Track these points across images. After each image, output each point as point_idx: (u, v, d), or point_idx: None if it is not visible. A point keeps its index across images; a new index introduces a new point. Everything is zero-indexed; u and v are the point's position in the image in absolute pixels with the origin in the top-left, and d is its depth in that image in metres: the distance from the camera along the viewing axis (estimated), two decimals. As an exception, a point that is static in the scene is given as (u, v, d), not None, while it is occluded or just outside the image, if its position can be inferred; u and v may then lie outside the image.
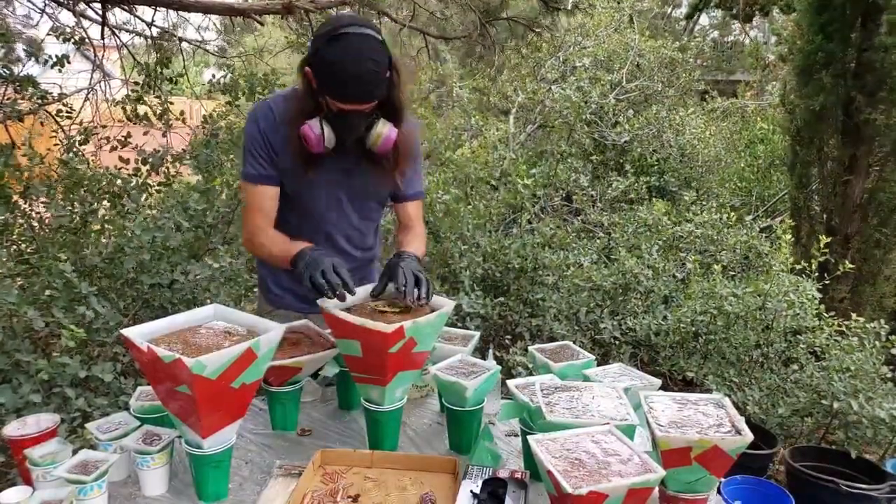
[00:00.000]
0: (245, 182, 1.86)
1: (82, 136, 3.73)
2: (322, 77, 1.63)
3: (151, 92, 4.26)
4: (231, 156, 3.97)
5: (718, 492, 1.48)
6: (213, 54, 6.96)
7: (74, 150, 3.63)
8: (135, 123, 4.17)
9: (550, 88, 6.27)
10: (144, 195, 3.53)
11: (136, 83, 4.16)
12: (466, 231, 4.25)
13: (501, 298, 4.01)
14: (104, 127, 4.24)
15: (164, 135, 4.09)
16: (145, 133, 4.13)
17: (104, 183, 3.48)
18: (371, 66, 1.59)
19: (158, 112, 4.12)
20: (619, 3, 7.76)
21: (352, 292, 1.56)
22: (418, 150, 2.01)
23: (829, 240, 4.02)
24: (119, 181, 3.58)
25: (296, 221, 1.90)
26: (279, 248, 1.79)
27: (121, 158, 3.77)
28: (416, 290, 1.58)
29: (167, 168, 3.75)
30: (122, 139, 3.85)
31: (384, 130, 1.73)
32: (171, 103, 4.23)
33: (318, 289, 1.55)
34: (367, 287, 1.69)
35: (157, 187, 3.75)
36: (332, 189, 1.89)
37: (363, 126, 1.72)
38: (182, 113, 4.53)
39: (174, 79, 4.53)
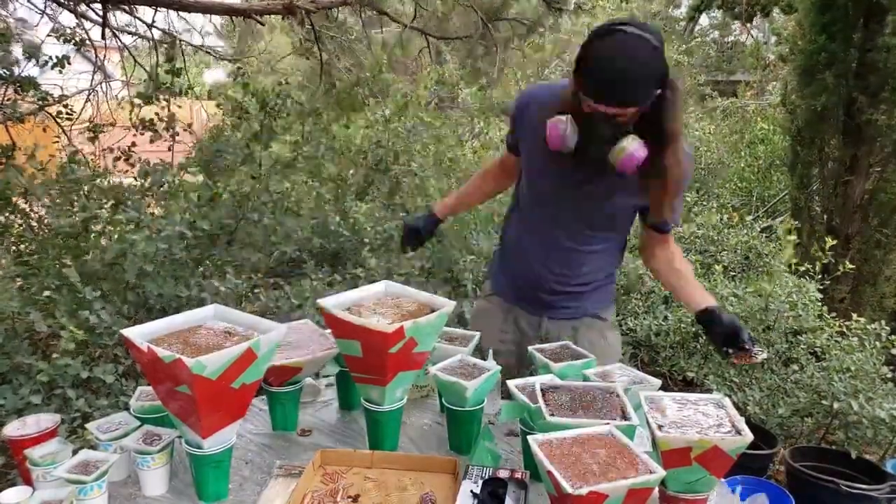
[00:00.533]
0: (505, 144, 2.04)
1: (92, 133, 3.74)
2: (582, 70, 1.54)
3: (158, 102, 4.25)
4: (238, 163, 3.97)
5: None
6: (216, 57, 6.96)
7: (76, 158, 3.62)
8: (140, 133, 4.16)
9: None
10: (147, 202, 3.52)
11: (140, 94, 4.15)
12: (471, 237, 4.25)
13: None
14: (112, 125, 4.25)
15: (169, 148, 4.10)
16: (152, 141, 4.14)
17: (105, 188, 3.48)
18: (633, 66, 1.48)
19: (164, 119, 4.11)
20: (626, 2, 7.74)
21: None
22: (683, 180, 1.76)
23: (828, 238, 4.03)
24: (124, 186, 3.58)
25: (523, 226, 2.00)
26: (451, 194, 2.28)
27: (126, 161, 3.77)
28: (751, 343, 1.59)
29: (172, 179, 3.74)
30: (127, 149, 3.85)
31: (632, 147, 1.57)
32: (179, 106, 4.22)
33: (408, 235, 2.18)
34: (362, 290, 1.65)
35: (158, 198, 3.73)
36: (551, 199, 1.84)
37: (610, 135, 1.58)
38: (190, 125, 4.52)
39: (184, 90, 4.52)
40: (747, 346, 1.53)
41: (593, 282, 1.97)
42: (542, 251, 1.92)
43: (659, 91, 1.54)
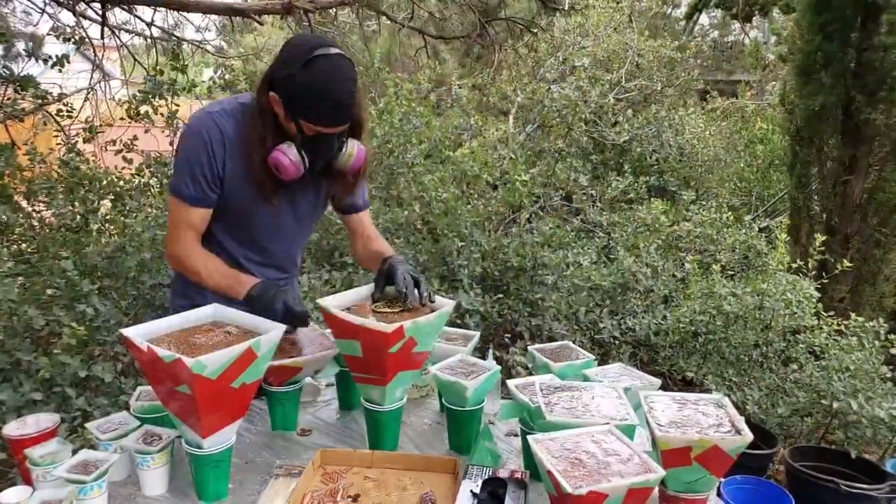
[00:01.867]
0: (179, 200, 1.69)
1: (88, 134, 3.73)
2: (300, 103, 1.56)
3: (158, 99, 4.24)
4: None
5: (718, 494, 1.48)
6: (213, 54, 6.96)
7: (76, 151, 3.63)
8: (137, 122, 4.15)
9: (549, 88, 6.27)
10: (143, 197, 3.53)
11: (141, 90, 4.14)
12: (465, 229, 4.25)
13: (500, 296, 4.01)
14: (110, 125, 4.24)
15: (171, 143, 4.09)
16: (146, 131, 4.13)
17: (105, 183, 3.48)
18: (351, 86, 1.55)
19: (164, 115, 4.10)
20: (618, 2, 7.76)
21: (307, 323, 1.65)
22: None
23: (825, 238, 4.03)
24: (122, 182, 3.58)
25: (231, 243, 1.81)
26: (220, 278, 1.70)
27: (124, 159, 3.77)
28: (416, 290, 1.60)
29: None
30: (129, 142, 3.85)
31: (354, 150, 1.70)
32: (178, 105, 4.22)
33: (298, 317, 1.59)
34: (362, 290, 1.69)
35: (158, 189, 3.74)
36: (283, 212, 1.80)
37: (337, 148, 1.67)
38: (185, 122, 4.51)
39: (188, 87, 4.51)
40: (403, 291, 1.59)
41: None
42: (275, 265, 1.92)
43: None
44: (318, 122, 1.58)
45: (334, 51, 1.55)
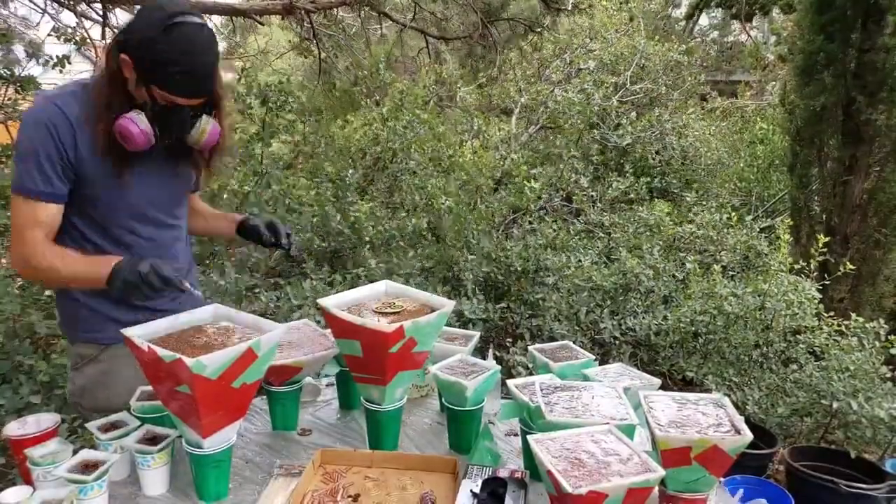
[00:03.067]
0: (23, 197, 1.52)
1: None
2: (157, 70, 1.46)
3: None
4: (236, 159, 3.97)
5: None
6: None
7: None
8: None
9: (553, 90, 6.27)
10: None
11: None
12: (472, 238, 4.25)
13: (504, 304, 4.01)
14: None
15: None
16: None
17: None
18: (211, 59, 1.50)
19: None
20: (625, 2, 7.74)
21: (184, 287, 1.48)
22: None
23: (827, 239, 4.03)
24: None
25: (99, 238, 1.64)
26: (82, 265, 1.55)
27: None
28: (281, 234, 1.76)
29: None
30: None
31: (208, 127, 1.60)
32: None
33: (167, 282, 1.45)
34: (362, 290, 1.69)
35: None
36: (147, 190, 1.67)
37: (190, 120, 1.58)
38: None
39: None
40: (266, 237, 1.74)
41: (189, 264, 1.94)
42: (158, 247, 1.75)
43: None
44: (173, 90, 1.49)
45: (197, 19, 1.48)
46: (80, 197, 1.59)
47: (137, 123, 1.50)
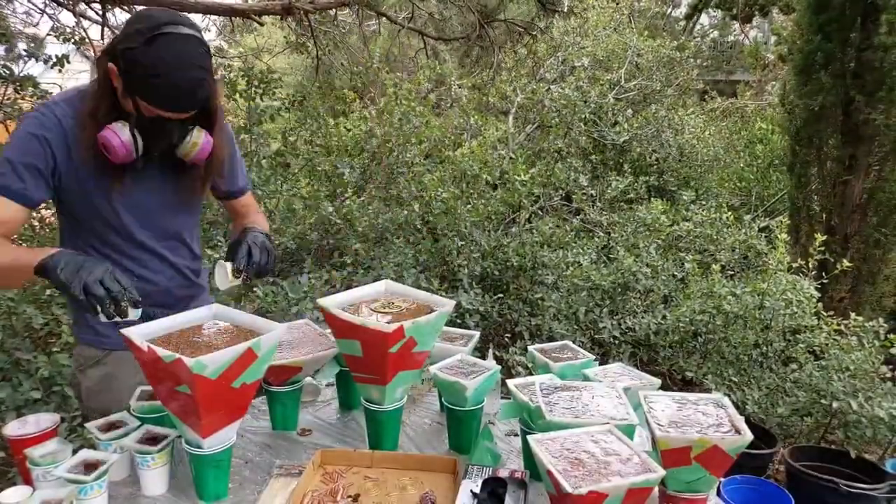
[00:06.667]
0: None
1: None
2: (138, 80, 1.42)
3: None
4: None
5: (718, 493, 1.48)
6: (212, 54, 6.95)
7: None
8: None
9: (549, 88, 6.27)
10: None
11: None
12: (464, 228, 4.26)
13: (500, 295, 4.01)
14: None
15: None
16: None
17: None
18: (197, 73, 1.43)
19: None
20: (616, 3, 7.76)
21: (136, 300, 1.37)
22: (233, 147, 1.86)
23: (825, 238, 4.03)
24: None
25: (112, 249, 1.65)
26: (10, 254, 1.46)
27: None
28: (248, 259, 1.60)
29: None
30: None
31: (200, 140, 1.56)
32: None
33: (96, 299, 1.32)
34: (362, 290, 1.67)
35: None
36: (136, 209, 1.64)
37: (178, 135, 1.54)
38: None
39: None
40: (240, 265, 1.60)
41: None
42: (156, 256, 1.73)
43: None
44: (156, 104, 1.44)
45: (186, 31, 1.42)
46: (70, 206, 1.60)
47: (119, 135, 1.46)
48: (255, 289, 3.33)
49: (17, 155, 1.49)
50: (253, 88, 4.31)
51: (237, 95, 4.30)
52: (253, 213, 1.97)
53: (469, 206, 4.39)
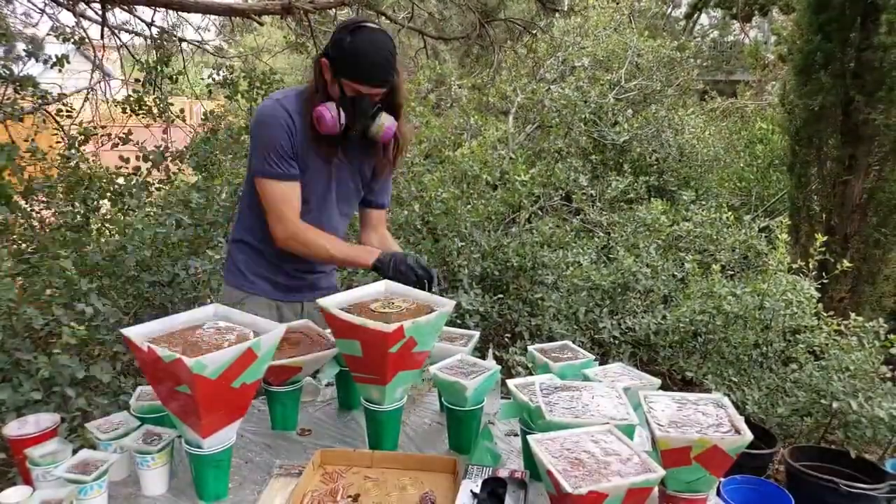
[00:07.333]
0: (270, 179, 1.92)
1: (82, 137, 3.74)
2: (345, 62, 1.82)
3: (152, 91, 4.26)
4: (230, 154, 3.97)
5: (718, 493, 1.48)
6: (212, 54, 6.96)
7: (75, 148, 3.64)
8: (136, 115, 4.20)
9: (549, 88, 6.28)
10: (145, 193, 3.54)
11: (137, 80, 4.16)
12: (464, 228, 4.26)
13: (500, 296, 4.01)
14: (104, 127, 4.26)
15: (164, 131, 4.09)
16: (147, 126, 4.14)
17: (105, 181, 3.49)
18: (389, 52, 1.83)
19: (159, 109, 4.13)
20: (617, 3, 7.77)
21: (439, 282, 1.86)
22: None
23: (826, 238, 4.03)
24: (121, 180, 3.59)
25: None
26: (347, 249, 1.98)
27: (121, 157, 3.77)
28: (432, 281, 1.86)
29: (168, 165, 3.75)
30: (123, 136, 3.85)
31: (388, 121, 1.92)
32: (171, 103, 4.23)
33: (430, 277, 1.83)
34: (362, 290, 1.69)
35: (157, 185, 3.75)
36: (327, 178, 2.03)
37: (372, 111, 1.90)
38: (182, 111, 4.53)
39: (174, 77, 4.54)
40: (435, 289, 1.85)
41: None
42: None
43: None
44: (357, 78, 1.83)
45: (377, 26, 1.86)
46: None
47: (329, 110, 1.86)
48: None
49: (271, 144, 1.90)
50: (255, 90, 4.32)
51: (239, 96, 4.30)
52: (387, 234, 2.29)
53: (469, 206, 4.39)
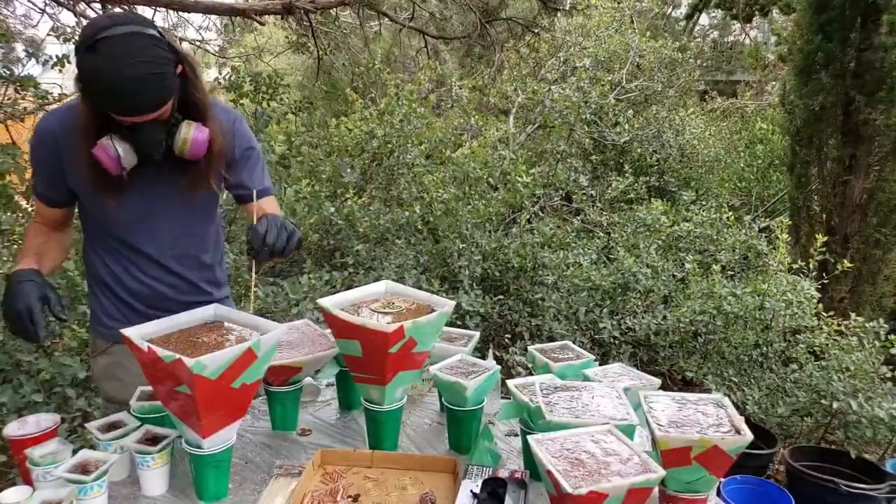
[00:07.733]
0: (34, 196, 1.68)
1: None
2: (90, 91, 1.40)
3: None
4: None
5: (718, 493, 1.48)
6: (213, 54, 6.96)
7: None
8: None
9: (550, 88, 6.27)
10: None
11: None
12: (465, 230, 4.26)
13: (501, 297, 4.01)
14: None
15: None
16: None
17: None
18: (141, 70, 1.35)
19: None
20: (618, 3, 7.77)
21: (43, 339, 1.42)
22: (251, 142, 1.77)
23: (826, 239, 4.03)
24: None
25: (116, 253, 1.70)
26: (22, 255, 1.60)
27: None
28: (265, 238, 1.48)
29: None
30: None
31: (191, 133, 1.52)
32: None
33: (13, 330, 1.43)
34: (362, 290, 1.65)
35: None
36: (144, 208, 1.64)
37: (164, 134, 1.50)
38: None
39: None
40: (258, 246, 1.48)
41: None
42: (158, 265, 1.73)
43: (179, 72, 1.47)
44: (109, 110, 1.41)
45: (123, 30, 1.35)
46: (90, 216, 1.69)
47: (106, 149, 1.46)
48: (256, 288, 3.33)
49: (35, 163, 1.63)
50: (261, 94, 4.31)
51: (243, 98, 4.30)
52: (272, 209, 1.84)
53: (470, 207, 4.40)
